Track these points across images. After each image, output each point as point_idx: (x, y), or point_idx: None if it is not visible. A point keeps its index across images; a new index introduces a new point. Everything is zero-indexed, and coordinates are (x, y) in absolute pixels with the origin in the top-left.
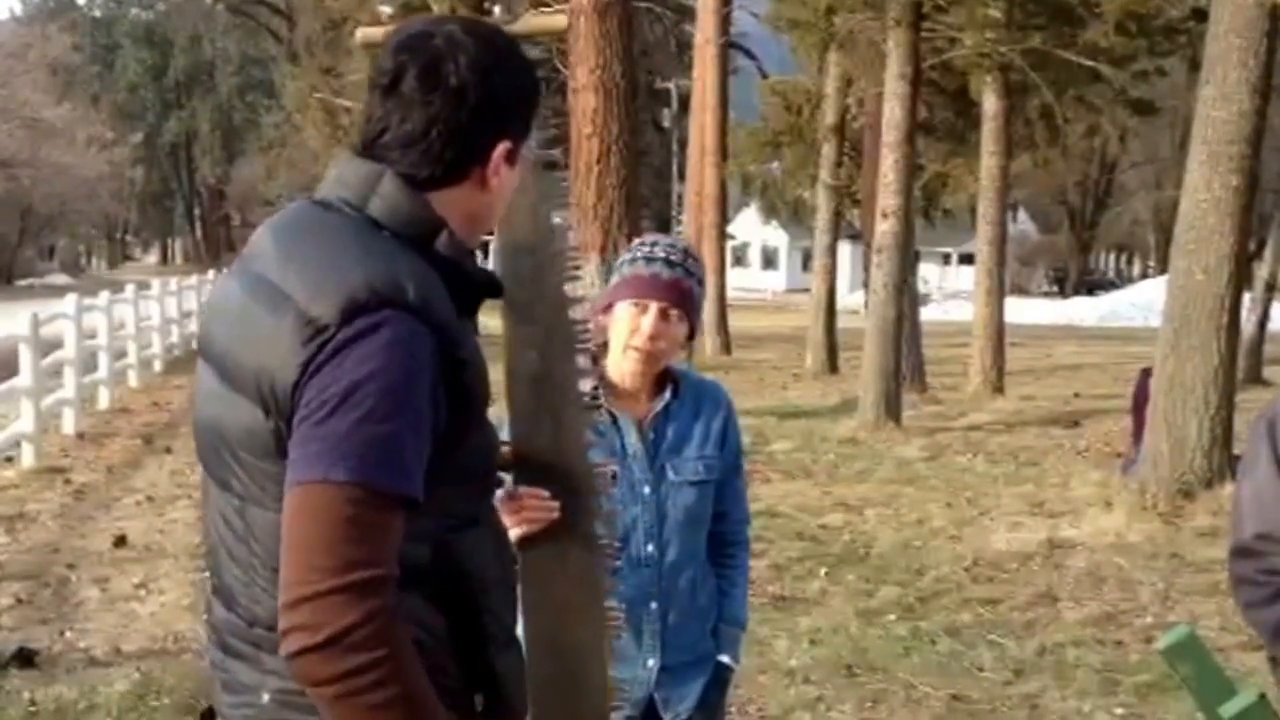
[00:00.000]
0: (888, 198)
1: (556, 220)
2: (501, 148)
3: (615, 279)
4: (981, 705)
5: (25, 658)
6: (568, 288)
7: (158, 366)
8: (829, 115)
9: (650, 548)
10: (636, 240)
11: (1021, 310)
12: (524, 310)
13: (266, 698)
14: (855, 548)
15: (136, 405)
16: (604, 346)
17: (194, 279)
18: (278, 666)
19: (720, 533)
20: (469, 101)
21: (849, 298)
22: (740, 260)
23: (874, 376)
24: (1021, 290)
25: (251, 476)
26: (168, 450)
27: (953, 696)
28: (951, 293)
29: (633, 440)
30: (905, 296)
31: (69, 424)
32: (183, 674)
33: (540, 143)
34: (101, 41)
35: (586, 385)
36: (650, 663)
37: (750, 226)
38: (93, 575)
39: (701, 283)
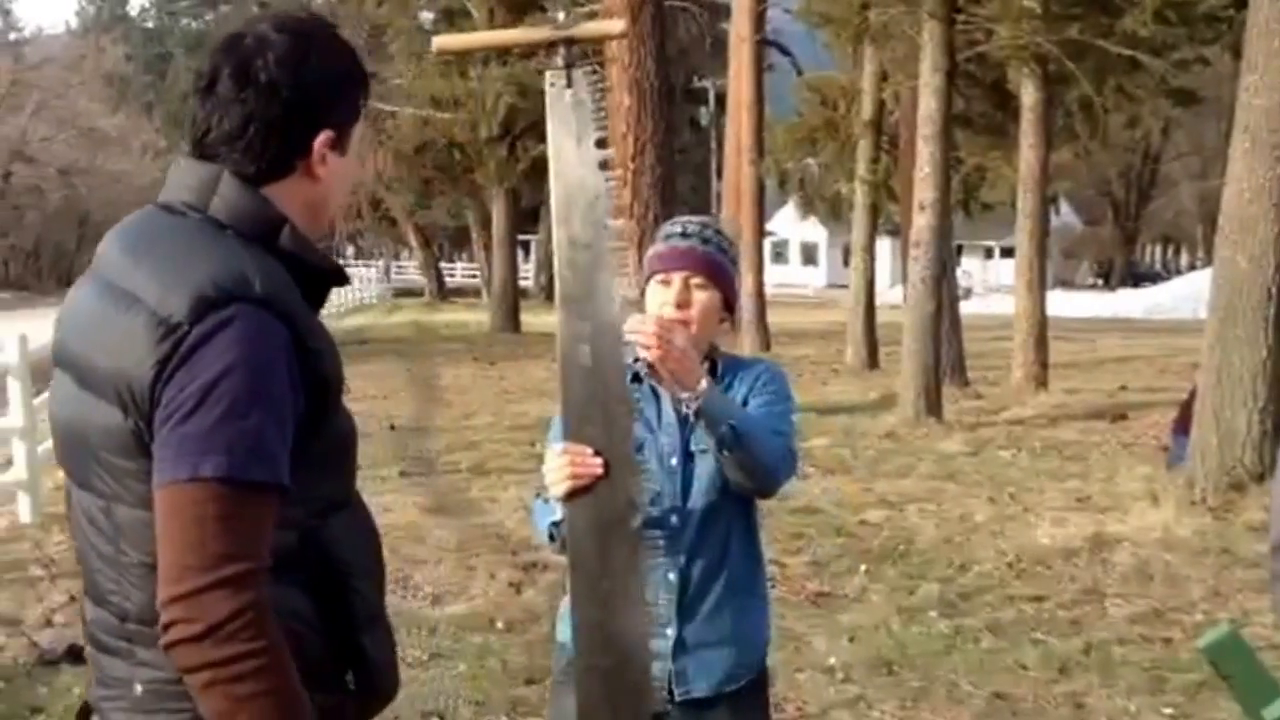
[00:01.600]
0: (924, 191)
1: (610, 219)
2: (323, 137)
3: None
4: (1025, 704)
5: (76, 654)
6: (619, 285)
7: None
8: (865, 110)
9: (673, 518)
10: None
11: (1066, 303)
12: (578, 305)
13: (139, 689)
14: (896, 544)
15: None
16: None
17: None
18: (150, 659)
19: None
20: (281, 96)
21: (889, 293)
22: (779, 257)
23: (914, 371)
24: (1066, 283)
25: (114, 476)
26: None
27: (995, 695)
28: (994, 286)
29: (668, 413)
30: (944, 290)
31: None
32: None
33: (596, 142)
34: (154, 51)
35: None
36: (669, 632)
37: (789, 223)
38: None
39: (725, 250)
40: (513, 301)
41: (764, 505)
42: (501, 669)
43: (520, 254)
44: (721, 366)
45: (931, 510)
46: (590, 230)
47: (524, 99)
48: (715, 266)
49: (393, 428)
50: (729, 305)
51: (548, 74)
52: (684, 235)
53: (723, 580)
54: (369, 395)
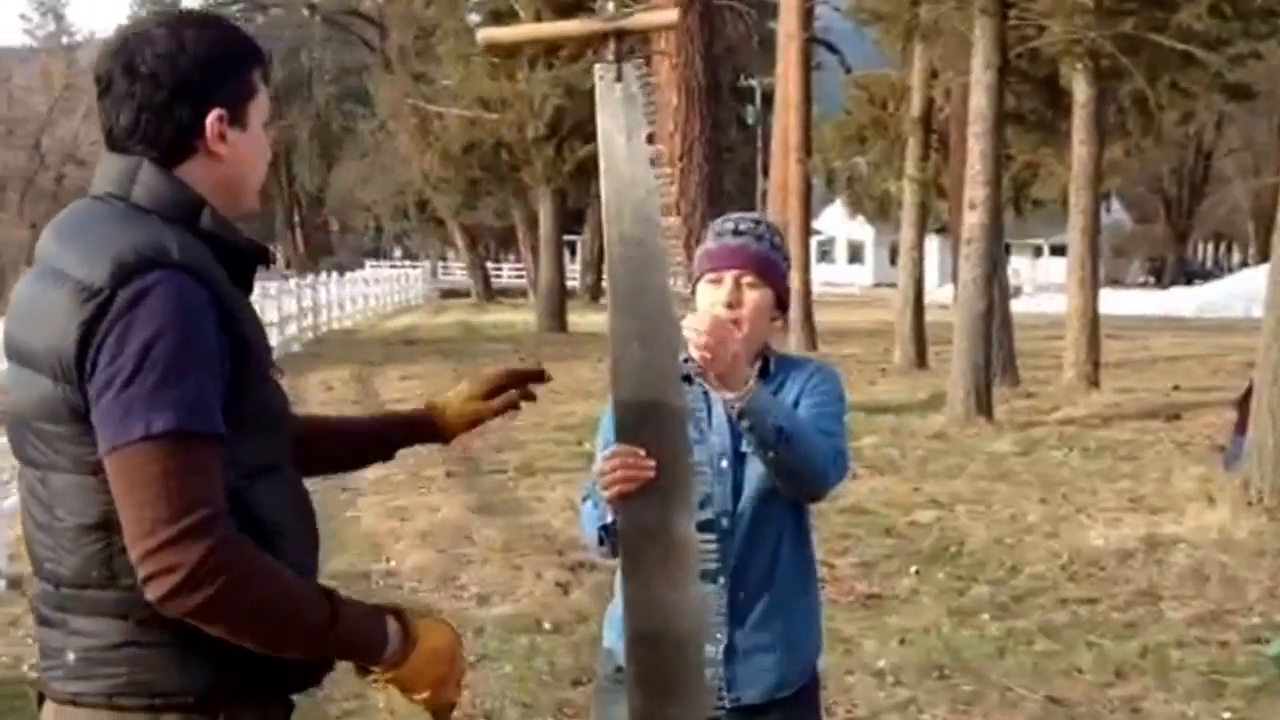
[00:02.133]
0: (975, 189)
1: (662, 216)
2: (213, 115)
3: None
4: (1080, 708)
5: None
6: (671, 282)
7: None
8: (914, 108)
9: (724, 521)
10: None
11: (1117, 302)
12: (629, 304)
13: (72, 657)
14: (946, 545)
15: None
16: None
17: (293, 283)
18: (82, 627)
19: None
20: (163, 83)
21: (937, 292)
22: (826, 255)
23: (964, 370)
24: (1116, 281)
25: (48, 443)
26: None
27: (1050, 699)
28: (1043, 285)
29: (719, 414)
30: (995, 289)
31: None
32: None
33: (647, 137)
34: None
35: (689, 379)
36: (718, 638)
37: (836, 222)
38: None
39: (776, 246)
40: (559, 302)
41: (812, 506)
42: (549, 670)
43: (567, 254)
44: (774, 366)
45: (982, 511)
46: (641, 227)
47: (571, 100)
48: (767, 264)
49: None
50: (781, 303)
51: (597, 67)
52: (736, 233)
53: (774, 585)
54: (416, 395)
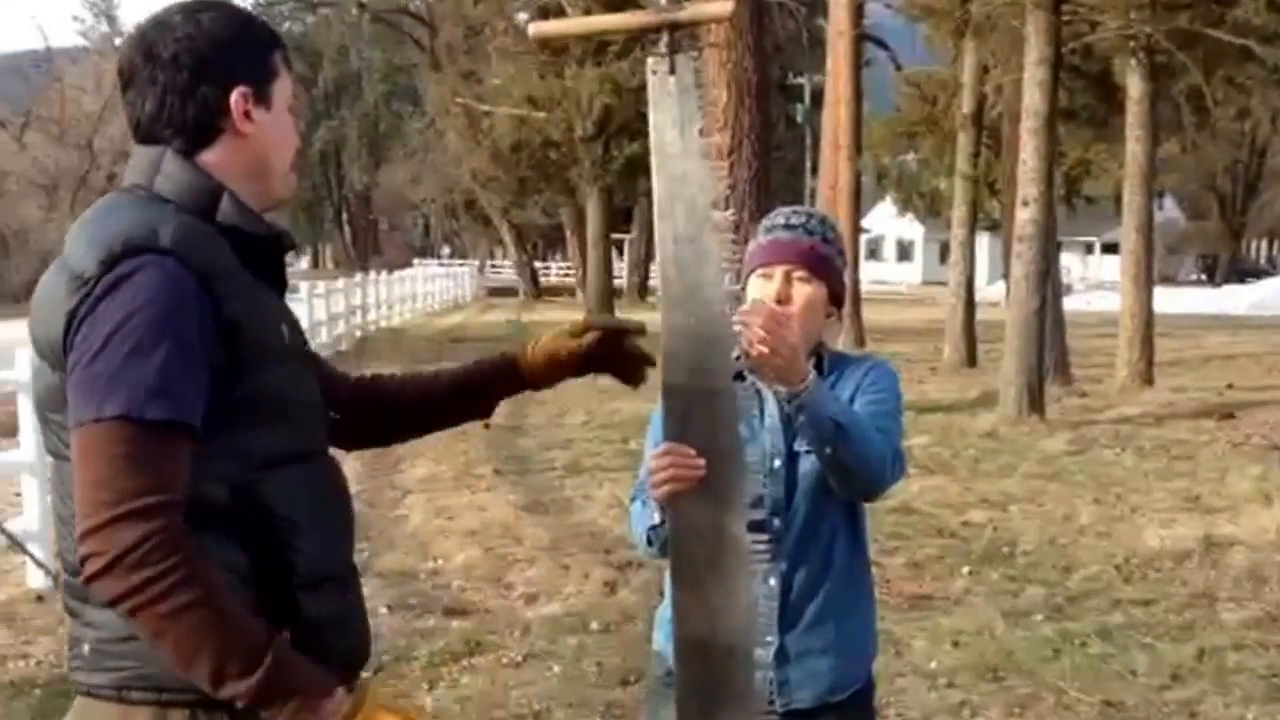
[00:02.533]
0: (1028, 185)
1: (715, 212)
2: (237, 93)
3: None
4: (1136, 712)
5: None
6: (724, 279)
7: None
8: (965, 104)
9: (776, 521)
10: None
11: (1169, 299)
12: (681, 301)
13: (87, 648)
14: (998, 546)
15: None
16: None
17: (341, 282)
18: (94, 618)
19: None
20: (185, 64)
21: (987, 290)
22: (875, 254)
23: (1016, 369)
24: (1169, 279)
25: (57, 433)
26: None
27: (1105, 702)
28: (1095, 283)
29: (772, 412)
30: (1048, 286)
31: None
32: None
33: (700, 131)
34: None
35: (741, 376)
36: (770, 640)
37: (885, 220)
38: None
39: (830, 241)
40: (607, 300)
41: (864, 507)
42: (597, 671)
43: (614, 253)
44: (828, 363)
45: (1035, 511)
46: (694, 224)
47: (619, 98)
48: (819, 259)
49: (487, 426)
50: (836, 299)
51: (650, 61)
52: (787, 227)
53: (827, 587)
54: None
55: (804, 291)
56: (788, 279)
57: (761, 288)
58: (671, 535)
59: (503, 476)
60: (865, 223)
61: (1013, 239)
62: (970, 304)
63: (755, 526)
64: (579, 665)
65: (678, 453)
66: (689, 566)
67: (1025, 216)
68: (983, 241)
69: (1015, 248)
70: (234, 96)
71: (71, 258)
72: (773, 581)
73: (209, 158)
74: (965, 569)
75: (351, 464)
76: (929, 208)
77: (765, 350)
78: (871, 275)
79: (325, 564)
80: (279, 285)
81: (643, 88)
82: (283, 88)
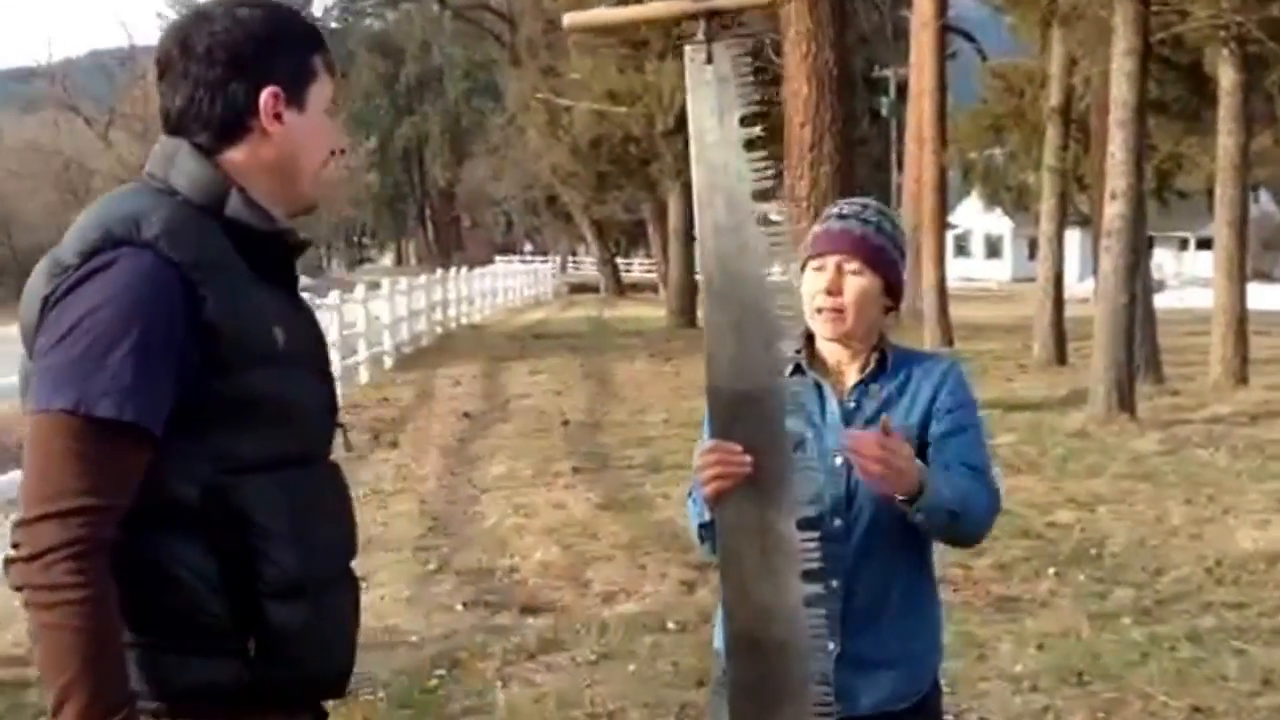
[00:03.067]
0: (1116, 179)
1: (757, 203)
2: (268, 93)
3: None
4: (1225, 718)
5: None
6: (768, 270)
7: (388, 363)
8: (1053, 96)
9: (837, 522)
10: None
11: (1265, 296)
12: (724, 293)
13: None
14: (1086, 547)
15: (366, 400)
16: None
17: (423, 278)
18: None
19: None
20: (218, 59)
21: (1078, 286)
22: (962, 250)
23: (1105, 366)
24: (1264, 275)
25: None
26: (394, 444)
27: (1194, 708)
28: (1188, 279)
29: (832, 409)
30: (1137, 282)
31: None
32: (399, 667)
33: (740, 120)
34: (337, 52)
35: (788, 370)
36: (830, 646)
37: (973, 215)
38: None
39: (885, 231)
40: (690, 296)
41: None
42: (672, 670)
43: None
44: (892, 360)
45: (1125, 511)
46: (734, 215)
47: None
48: (873, 250)
49: (566, 423)
50: (892, 291)
51: (687, 49)
52: (841, 217)
53: (891, 592)
54: (543, 391)
55: (857, 283)
56: (839, 270)
57: (814, 278)
58: (719, 533)
59: (581, 474)
60: (952, 218)
61: (1100, 234)
62: (1059, 300)
63: (805, 524)
64: (654, 665)
65: (723, 450)
66: (737, 564)
67: (1113, 210)
68: (1074, 237)
69: (1103, 242)
70: (264, 96)
71: (61, 245)
72: (835, 584)
73: (235, 155)
74: (1052, 570)
75: (431, 462)
76: (1017, 202)
77: (884, 476)
78: (959, 272)
79: (301, 574)
80: (287, 284)
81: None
82: (320, 91)
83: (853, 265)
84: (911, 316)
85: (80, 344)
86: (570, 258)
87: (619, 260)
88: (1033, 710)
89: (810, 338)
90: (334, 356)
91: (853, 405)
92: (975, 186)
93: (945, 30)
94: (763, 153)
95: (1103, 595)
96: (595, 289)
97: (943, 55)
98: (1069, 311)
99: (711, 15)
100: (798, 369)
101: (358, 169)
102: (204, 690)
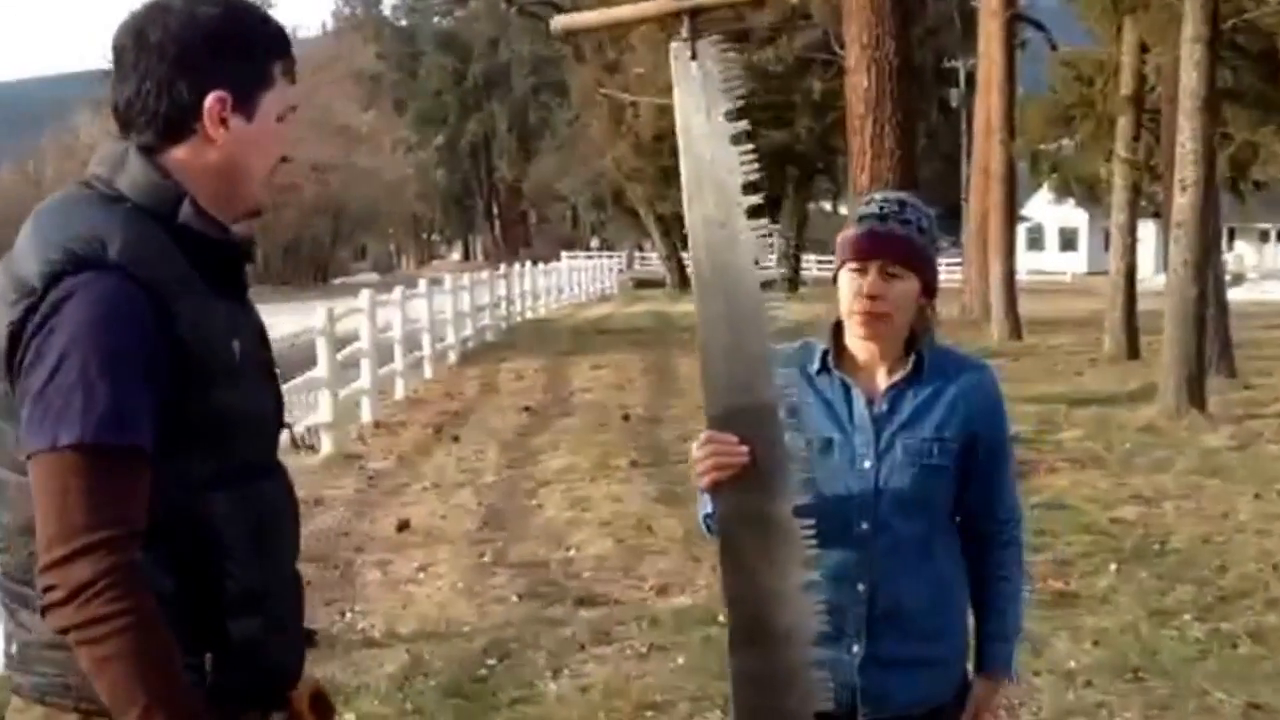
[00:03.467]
0: (1185, 169)
1: (745, 196)
2: (212, 98)
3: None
4: None
5: (306, 636)
6: (757, 262)
7: (452, 358)
8: (1125, 85)
9: (864, 525)
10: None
11: None
12: (715, 286)
13: (15, 648)
14: (1149, 543)
15: (431, 395)
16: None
17: (486, 274)
18: (24, 620)
19: (984, 534)
20: (168, 55)
21: (1154, 279)
22: (1035, 243)
23: (1175, 360)
24: None
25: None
26: (455, 439)
27: (1251, 705)
28: (1268, 271)
29: (860, 410)
30: (1209, 274)
31: (366, 413)
32: (451, 657)
33: (726, 115)
34: (405, 50)
35: (779, 362)
36: (855, 648)
37: (1046, 207)
38: (376, 558)
39: (923, 229)
40: None
41: None
42: (721, 664)
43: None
44: (928, 362)
45: (1191, 508)
46: (724, 208)
47: (763, 85)
48: (913, 252)
49: (626, 418)
50: (928, 289)
51: (673, 46)
52: (881, 217)
53: (918, 595)
54: (605, 385)
55: (900, 287)
56: (883, 274)
57: (853, 281)
58: (719, 522)
59: (639, 468)
60: (1025, 211)
61: (1170, 225)
62: (1131, 293)
63: (802, 511)
64: (704, 658)
65: (719, 440)
66: (737, 553)
67: (1183, 201)
68: (1149, 229)
69: (1173, 234)
70: (209, 100)
71: (17, 258)
72: (861, 587)
73: (177, 154)
74: (1113, 566)
75: (491, 455)
76: (1088, 194)
77: None
78: (1032, 265)
79: (259, 586)
80: (238, 291)
81: (787, 74)
82: (275, 98)
83: (895, 269)
84: (980, 310)
85: (69, 378)
86: (637, 253)
87: (684, 255)
88: (1086, 706)
89: (837, 334)
90: (397, 352)
91: (884, 409)
92: (1043, 178)
93: (1015, 20)
94: (749, 146)
95: (1164, 591)
96: (661, 284)
97: (1011, 45)
98: (1144, 304)
99: (695, 13)
100: (824, 367)
101: (426, 166)
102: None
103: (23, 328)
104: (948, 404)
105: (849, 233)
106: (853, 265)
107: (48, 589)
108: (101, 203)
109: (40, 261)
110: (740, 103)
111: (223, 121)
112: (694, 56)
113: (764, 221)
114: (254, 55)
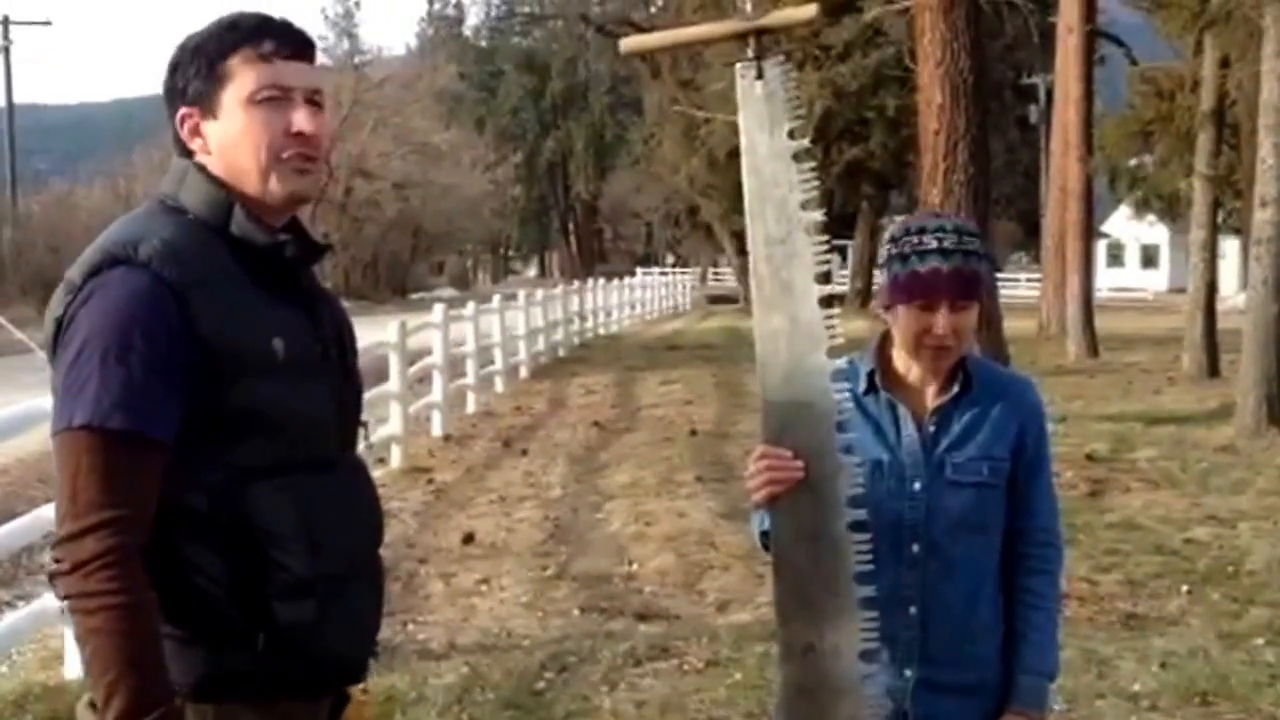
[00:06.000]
0: (1266, 185)
1: (805, 213)
2: (179, 117)
3: (888, 275)
4: None
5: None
6: (816, 279)
7: (524, 373)
8: (1205, 100)
9: (915, 547)
10: (898, 226)
11: None
12: (774, 302)
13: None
14: (1223, 564)
15: (501, 409)
16: (887, 335)
17: (559, 289)
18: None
19: (1021, 551)
20: (163, 89)
21: (1236, 297)
22: (1115, 259)
23: (1254, 378)
24: None
25: None
26: (524, 452)
27: None
28: None
29: (909, 431)
30: None
31: (437, 426)
32: (509, 669)
33: (789, 133)
34: (485, 69)
35: (839, 377)
36: (907, 673)
37: (1127, 223)
38: (440, 570)
39: (981, 255)
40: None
41: (1078, 521)
42: None
43: (837, 259)
44: (976, 380)
45: (1268, 529)
46: (784, 225)
47: (839, 102)
48: (976, 282)
49: (693, 433)
50: (983, 311)
51: (738, 67)
52: (943, 253)
53: (970, 621)
54: (673, 400)
55: (966, 319)
56: (952, 309)
57: (920, 318)
58: (773, 538)
59: (704, 484)
60: (1106, 227)
61: (1250, 242)
62: (1210, 310)
63: (856, 526)
64: (761, 674)
65: (774, 455)
66: (790, 569)
67: (1264, 218)
68: (1231, 246)
69: (1253, 250)
70: (178, 120)
71: (77, 263)
72: (913, 610)
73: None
74: (1184, 588)
75: (558, 469)
76: (1168, 210)
77: None
78: (1112, 282)
79: (310, 574)
80: (297, 294)
81: (862, 90)
82: (237, 89)
83: (963, 303)
84: (1058, 326)
85: (90, 363)
86: (711, 269)
87: None
88: None
89: (882, 352)
90: (469, 366)
91: (933, 429)
92: (1122, 195)
93: (1093, 35)
94: (810, 163)
95: (1236, 615)
96: (734, 300)
97: (1089, 61)
98: (1225, 323)
99: (760, 34)
100: (871, 387)
101: (504, 183)
102: (222, 679)
103: (62, 320)
104: (996, 421)
105: (914, 269)
106: (921, 303)
107: (57, 561)
108: (163, 213)
109: (84, 262)
110: (800, 121)
111: (195, 132)
112: (759, 76)
113: (824, 238)
114: (207, 63)
